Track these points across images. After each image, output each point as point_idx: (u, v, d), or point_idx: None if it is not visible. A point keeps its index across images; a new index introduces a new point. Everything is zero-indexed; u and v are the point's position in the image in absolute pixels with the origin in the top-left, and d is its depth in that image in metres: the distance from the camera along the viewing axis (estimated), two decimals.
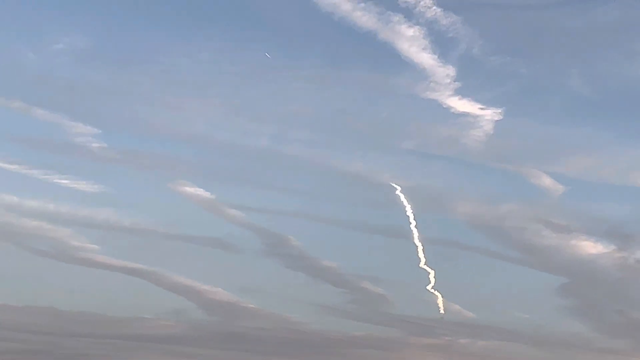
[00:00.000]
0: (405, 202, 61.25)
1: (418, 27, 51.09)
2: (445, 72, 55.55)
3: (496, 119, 56.53)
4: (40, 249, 59.51)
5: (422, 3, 55.09)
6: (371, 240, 73.29)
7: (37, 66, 68.44)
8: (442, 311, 59.12)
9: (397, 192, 60.34)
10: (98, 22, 72.45)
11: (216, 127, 70.17)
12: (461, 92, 50.54)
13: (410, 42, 60.62)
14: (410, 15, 52.58)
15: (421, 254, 58.76)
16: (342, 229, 74.19)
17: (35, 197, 63.67)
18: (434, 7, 52.53)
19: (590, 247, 67.70)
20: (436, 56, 54.77)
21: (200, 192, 64.25)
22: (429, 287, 55.91)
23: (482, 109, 57.80)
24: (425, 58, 59.91)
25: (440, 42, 57.22)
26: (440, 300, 61.93)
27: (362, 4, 57.77)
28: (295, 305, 70.87)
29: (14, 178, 65.25)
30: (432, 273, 57.67)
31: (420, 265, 59.01)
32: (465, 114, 56.52)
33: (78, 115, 60.63)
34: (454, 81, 52.40)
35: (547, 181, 63.93)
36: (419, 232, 57.99)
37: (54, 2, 75.93)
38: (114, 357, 64.85)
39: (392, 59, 65.99)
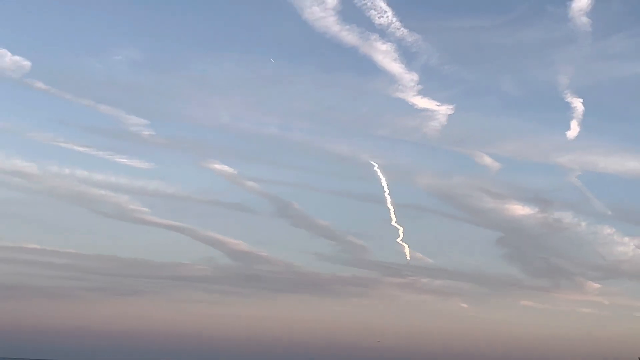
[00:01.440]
0: (380, 176, 70.53)
1: (389, 43, 60.09)
2: (410, 78, 64.42)
3: (449, 113, 65.73)
4: (105, 211, 68.59)
5: (392, 25, 63.26)
6: (355, 204, 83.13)
7: (101, 73, 76.44)
8: (408, 258, 68.52)
9: (375, 168, 69.62)
10: (147, 39, 79.89)
11: (237, 118, 79.13)
12: (422, 93, 59.55)
13: (384, 55, 68.69)
14: (384, 34, 61.58)
15: (393, 215, 68.16)
16: (333, 196, 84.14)
17: (101, 172, 72.68)
18: (402, 29, 60.92)
19: (520, 210, 77.34)
20: (403, 65, 63.63)
21: (225, 167, 72.98)
22: (398, 240, 65.80)
23: (438, 105, 66.48)
24: (395, 67, 68.46)
25: (406, 55, 66.31)
26: (407, 250, 71.62)
27: (347, 26, 65.67)
28: (298, 254, 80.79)
29: (84, 158, 73.91)
30: (401, 229, 67.32)
31: (392, 224, 68.52)
32: (425, 109, 65.66)
33: (132, 110, 69.35)
34: (417, 84, 61.71)
35: (487, 160, 72.95)
36: (391, 198, 68.32)
37: (115, 24, 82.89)
38: (161, 292, 74.30)
39: (370, 68, 74.64)
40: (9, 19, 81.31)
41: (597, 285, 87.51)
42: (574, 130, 73.96)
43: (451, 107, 70.78)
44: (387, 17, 69.93)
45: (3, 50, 62.48)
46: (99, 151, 65.29)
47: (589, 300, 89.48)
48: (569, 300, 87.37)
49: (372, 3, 67.73)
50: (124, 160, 62.25)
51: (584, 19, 64.01)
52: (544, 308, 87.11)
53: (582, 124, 67.44)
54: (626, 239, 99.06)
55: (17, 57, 64.39)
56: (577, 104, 70.83)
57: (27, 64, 61.79)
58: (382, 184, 72.58)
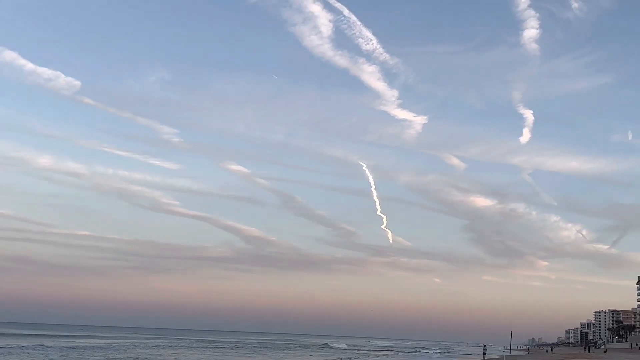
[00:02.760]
0: (368, 174, 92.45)
1: (374, 65, 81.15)
2: (391, 94, 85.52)
3: (424, 122, 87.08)
4: (142, 204, 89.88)
5: (377, 51, 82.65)
6: (347, 197, 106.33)
7: (138, 90, 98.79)
8: (391, 241, 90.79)
9: (364, 167, 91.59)
10: (175, 63, 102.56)
11: (250, 127, 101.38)
12: (402, 106, 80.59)
13: (370, 75, 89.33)
14: (370, 58, 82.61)
15: (378, 206, 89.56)
16: (329, 191, 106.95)
17: (139, 172, 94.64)
18: (384, 53, 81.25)
19: (482, 202, 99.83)
20: (386, 84, 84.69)
21: (240, 168, 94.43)
22: (383, 227, 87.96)
23: (415, 116, 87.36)
24: (379, 85, 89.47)
25: (388, 75, 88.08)
26: (390, 235, 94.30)
27: (340, 51, 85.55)
28: (300, 238, 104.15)
29: (125, 160, 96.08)
30: (385, 218, 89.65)
31: (377, 213, 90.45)
32: (404, 120, 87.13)
33: (164, 121, 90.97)
34: (397, 99, 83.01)
35: (455, 161, 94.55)
36: (376, 192, 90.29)
37: (149, 51, 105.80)
38: (188, 270, 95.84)
39: (358, 86, 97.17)
40: (63, 46, 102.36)
41: (545, 263, 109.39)
42: (525, 136, 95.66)
43: (425, 117, 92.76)
44: (373, 44, 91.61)
45: (58, 72, 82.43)
46: (136, 155, 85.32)
47: (538, 276, 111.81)
48: (522, 276, 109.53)
49: (360, 32, 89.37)
50: (157, 162, 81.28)
51: (534, 45, 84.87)
52: (502, 282, 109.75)
53: (533, 131, 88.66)
54: (569, 225, 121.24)
55: (69, 78, 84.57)
56: (528, 114, 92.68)
57: (77, 83, 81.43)
58: (370, 181, 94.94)
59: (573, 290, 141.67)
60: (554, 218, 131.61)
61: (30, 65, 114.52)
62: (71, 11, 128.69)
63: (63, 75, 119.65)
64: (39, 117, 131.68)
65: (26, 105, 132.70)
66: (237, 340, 61.54)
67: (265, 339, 71.39)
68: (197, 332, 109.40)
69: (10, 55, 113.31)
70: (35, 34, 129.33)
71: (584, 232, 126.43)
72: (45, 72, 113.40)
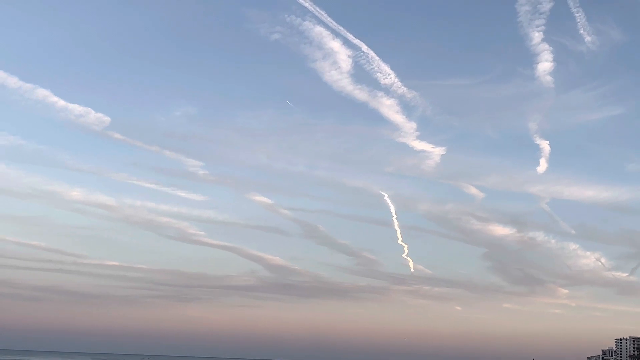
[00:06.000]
0: (390, 204, 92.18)
1: (393, 99, 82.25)
2: (410, 126, 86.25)
3: (442, 153, 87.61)
4: (170, 234, 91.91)
5: (395, 85, 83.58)
6: (369, 227, 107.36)
7: (165, 125, 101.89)
8: (412, 269, 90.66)
9: (385, 197, 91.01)
10: (201, 99, 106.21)
11: (273, 159, 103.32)
12: (420, 138, 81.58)
13: (389, 108, 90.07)
14: (388, 92, 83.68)
15: (399, 235, 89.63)
16: (351, 220, 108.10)
17: (166, 203, 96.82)
18: (402, 87, 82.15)
19: (500, 230, 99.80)
20: (404, 116, 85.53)
21: (264, 199, 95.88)
22: (404, 255, 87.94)
23: (433, 147, 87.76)
24: (398, 118, 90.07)
25: (407, 108, 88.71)
26: (411, 263, 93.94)
27: (359, 85, 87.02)
28: (323, 267, 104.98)
29: (152, 192, 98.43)
30: (406, 246, 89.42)
31: (398, 242, 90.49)
32: (423, 151, 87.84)
33: (190, 154, 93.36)
34: (416, 131, 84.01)
35: (473, 190, 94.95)
36: (398, 221, 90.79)
37: (175, 87, 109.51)
38: (214, 299, 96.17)
39: (377, 118, 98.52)
40: (93, 83, 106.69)
41: (565, 291, 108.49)
42: (542, 166, 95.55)
43: (443, 148, 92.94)
44: (391, 78, 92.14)
45: (88, 109, 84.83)
46: (164, 187, 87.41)
47: (558, 303, 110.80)
48: (542, 303, 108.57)
49: (378, 67, 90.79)
50: (184, 194, 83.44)
51: (548, 78, 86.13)
52: (522, 309, 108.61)
53: (549, 161, 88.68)
54: (588, 253, 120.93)
55: (99, 114, 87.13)
56: (545, 145, 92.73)
57: (107, 119, 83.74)
58: (391, 210, 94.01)
59: (593, 317, 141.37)
60: (572, 246, 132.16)
61: (62, 102, 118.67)
62: (101, 50, 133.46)
63: (93, 112, 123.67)
64: (70, 151, 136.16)
65: (58, 141, 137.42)
66: None
67: None
68: (224, 359, 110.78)
69: (42, 93, 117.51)
70: (66, 72, 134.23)
71: (602, 260, 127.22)
72: (76, 108, 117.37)
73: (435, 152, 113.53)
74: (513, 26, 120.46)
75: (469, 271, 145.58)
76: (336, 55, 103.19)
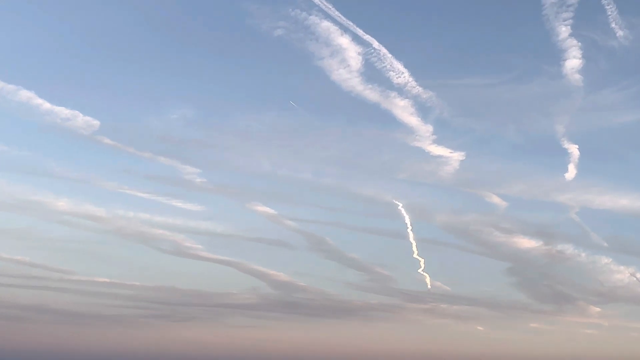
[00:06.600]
0: (404, 214, 74.06)
1: (407, 99, 65.21)
2: (425, 129, 69.12)
3: (460, 159, 70.23)
4: (164, 248, 74.28)
5: (409, 84, 67.67)
6: (381, 239, 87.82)
7: (159, 129, 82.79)
8: (429, 286, 72.34)
9: (399, 207, 72.87)
10: (198, 100, 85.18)
11: (276, 166, 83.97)
12: (437, 142, 64.90)
13: (402, 110, 73.47)
14: (402, 92, 66.69)
15: (415, 248, 71.99)
16: (361, 232, 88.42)
17: (160, 214, 78.55)
18: (417, 87, 65.54)
19: (526, 243, 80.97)
20: (419, 118, 68.46)
21: (267, 209, 77.76)
22: (420, 270, 69.70)
23: (451, 152, 70.69)
24: (413, 120, 73.13)
25: (422, 109, 71.09)
26: (427, 279, 75.42)
27: (370, 85, 70.58)
28: (331, 283, 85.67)
29: (146, 202, 79.99)
30: (422, 261, 71.08)
31: (414, 256, 72.80)
32: (440, 156, 70.37)
33: (186, 160, 75.48)
34: (432, 134, 66.69)
35: (495, 199, 77.42)
36: (413, 233, 72.52)
37: (170, 87, 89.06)
38: (213, 319, 78.66)
39: (390, 121, 79.93)
40: (81, 84, 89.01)
41: (597, 309, 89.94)
42: (571, 172, 77.68)
43: (462, 153, 75.43)
44: (404, 77, 74.48)
45: (75, 112, 68.72)
46: (158, 196, 71.27)
47: (590, 323, 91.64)
48: (572, 323, 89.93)
49: (390, 65, 73.12)
50: (180, 204, 67.90)
51: (577, 76, 69.11)
52: (550, 330, 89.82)
53: (578, 166, 71.43)
54: (621, 267, 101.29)
55: (87, 117, 71.11)
56: (573, 149, 75.00)
57: (96, 123, 68.08)
58: (406, 221, 74.90)
59: (629, 337, 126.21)
60: (604, 260, 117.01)
61: (47, 105, 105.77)
62: (88, 48, 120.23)
63: (81, 115, 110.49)
64: (56, 158, 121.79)
65: (43, 147, 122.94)
66: None
67: None
68: None
69: (25, 94, 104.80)
70: (51, 72, 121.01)
71: (638, 275, 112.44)
72: (62, 111, 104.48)
73: (454, 157, 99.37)
74: (538, 20, 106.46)
75: (492, 288, 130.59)
76: (345, 52, 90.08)
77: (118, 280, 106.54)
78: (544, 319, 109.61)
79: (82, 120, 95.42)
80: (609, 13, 71.12)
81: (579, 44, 74.30)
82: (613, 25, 72.99)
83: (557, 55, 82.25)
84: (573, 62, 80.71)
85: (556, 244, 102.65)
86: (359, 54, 75.54)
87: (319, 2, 71.12)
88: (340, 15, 75.09)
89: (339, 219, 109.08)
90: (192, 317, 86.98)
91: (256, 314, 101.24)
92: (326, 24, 75.31)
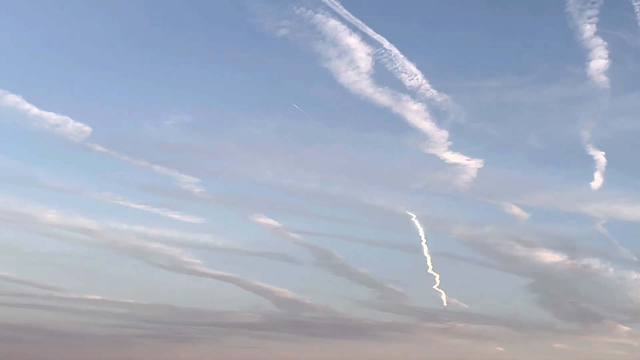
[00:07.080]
0: (418, 226, 71.11)
1: (420, 103, 62.70)
2: (440, 135, 66.76)
3: (478, 167, 67.82)
4: (160, 263, 71.57)
5: (422, 87, 65.44)
6: (393, 253, 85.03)
7: (156, 135, 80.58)
8: (445, 303, 69.59)
9: (413, 219, 70.00)
10: (196, 105, 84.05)
11: (280, 175, 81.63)
12: (452, 148, 62.38)
13: (415, 114, 71.01)
14: (415, 95, 64.14)
15: (429, 263, 69.30)
16: (372, 246, 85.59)
17: (156, 227, 76.12)
18: (431, 89, 63.30)
19: (549, 257, 78.51)
20: (434, 123, 66.01)
21: (270, 221, 75.27)
22: (435, 287, 66.91)
23: (468, 160, 68.37)
24: (426, 125, 70.83)
25: (436, 114, 68.73)
26: (443, 296, 72.62)
27: (380, 88, 68.34)
28: (340, 301, 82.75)
29: (141, 214, 77.45)
30: (437, 276, 68.43)
31: (428, 271, 69.92)
32: (456, 164, 67.95)
33: (185, 169, 72.98)
34: (447, 141, 64.20)
35: (516, 210, 74.60)
36: (427, 247, 69.57)
37: (166, 92, 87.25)
38: (212, 339, 76.06)
39: (403, 126, 77.75)
40: (71, 88, 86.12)
41: (626, 328, 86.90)
42: (597, 181, 74.47)
43: (480, 161, 72.20)
44: (417, 79, 71.72)
45: (65, 117, 65.90)
46: (154, 208, 68.29)
47: (619, 343, 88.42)
48: (600, 343, 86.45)
49: (402, 67, 69.89)
50: (177, 215, 65.05)
51: (602, 77, 65.75)
52: (576, 350, 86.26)
53: (605, 175, 67.88)
54: None
55: (78, 124, 68.22)
56: (600, 156, 71.67)
57: (87, 129, 65.18)
58: (420, 234, 71.95)
59: None
60: (634, 275, 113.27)
61: (35, 110, 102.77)
62: (80, 49, 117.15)
63: (72, 121, 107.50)
64: (45, 167, 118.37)
65: (31, 155, 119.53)
66: None
67: None
68: None
69: (12, 99, 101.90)
70: (40, 75, 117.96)
71: None
72: (51, 117, 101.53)
73: (471, 165, 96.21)
74: (561, 17, 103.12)
75: (512, 305, 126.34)
76: (353, 53, 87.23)
77: (111, 298, 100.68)
78: (569, 339, 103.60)
79: (72, 126, 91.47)
80: (637, 10, 67.83)
81: (605, 43, 70.15)
82: None
83: (581, 56, 77.32)
84: (598, 62, 77.16)
85: (581, 258, 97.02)
86: (368, 54, 71.91)
87: (326, 0, 67.37)
88: (348, 13, 70.24)
89: (348, 231, 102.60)
90: (190, 337, 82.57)
91: (259, 333, 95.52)
92: (333, 23, 70.83)
